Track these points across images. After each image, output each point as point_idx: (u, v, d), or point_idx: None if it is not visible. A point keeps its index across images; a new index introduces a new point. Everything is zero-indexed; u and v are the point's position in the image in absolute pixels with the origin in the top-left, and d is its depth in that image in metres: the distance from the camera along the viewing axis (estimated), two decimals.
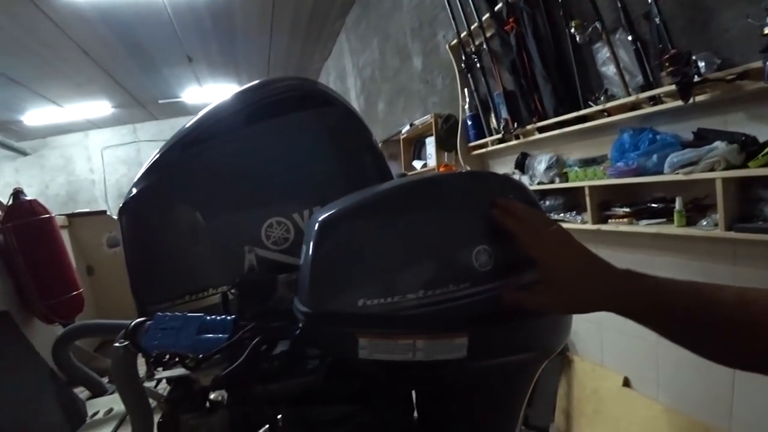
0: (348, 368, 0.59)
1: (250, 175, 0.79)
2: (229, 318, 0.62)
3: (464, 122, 2.74)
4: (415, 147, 3.68)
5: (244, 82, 7.54)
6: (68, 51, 4.91)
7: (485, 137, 2.59)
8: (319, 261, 0.53)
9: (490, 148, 2.57)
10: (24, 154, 8.13)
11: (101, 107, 7.00)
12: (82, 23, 4.38)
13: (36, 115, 6.89)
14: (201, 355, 0.58)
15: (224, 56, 5.82)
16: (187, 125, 0.82)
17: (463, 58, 2.60)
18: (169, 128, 8.22)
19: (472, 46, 2.51)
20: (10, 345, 2.14)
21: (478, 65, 2.50)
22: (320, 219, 0.54)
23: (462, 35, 2.55)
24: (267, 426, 0.66)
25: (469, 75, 2.62)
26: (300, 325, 0.57)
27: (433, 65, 3.20)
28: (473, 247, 0.51)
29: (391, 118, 4.19)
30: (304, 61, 6.33)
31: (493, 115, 2.49)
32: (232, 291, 0.74)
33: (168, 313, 0.67)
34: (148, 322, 0.63)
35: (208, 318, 0.63)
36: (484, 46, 2.40)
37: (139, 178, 0.81)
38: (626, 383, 1.88)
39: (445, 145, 3.00)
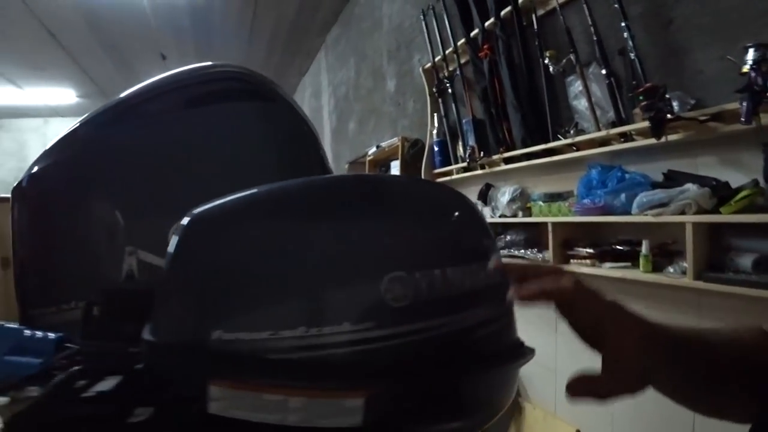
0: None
1: (176, 164, 0.67)
2: (52, 336, 0.47)
3: (431, 148, 2.64)
4: (381, 170, 3.57)
5: None
6: (33, 30, 4.63)
7: (451, 165, 2.50)
8: (172, 271, 0.39)
9: (455, 177, 2.48)
10: None
11: (65, 95, 6.67)
12: (52, 3, 4.15)
13: None
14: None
15: (200, 58, 5.63)
16: (112, 100, 0.70)
17: (436, 82, 2.53)
18: None
19: (445, 70, 2.44)
20: None
21: (449, 91, 2.43)
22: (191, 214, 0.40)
23: (437, 59, 2.48)
24: None
25: (440, 100, 2.54)
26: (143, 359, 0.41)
27: (406, 88, 3.13)
28: (385, 274, 0.36)
29: (361, 138, 4.09)
30: (281, 74, 6.22)
31: (460, 142, 2.41)
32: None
33: None
34: None
35: (30, 334, 0.47)
36: (458, 72, 2.33)
37: (42, 155, 0.68)
38: None
39: (409, 169, 2.89)
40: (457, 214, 0.46)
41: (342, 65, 4.44)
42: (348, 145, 4.51)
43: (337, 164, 4.96)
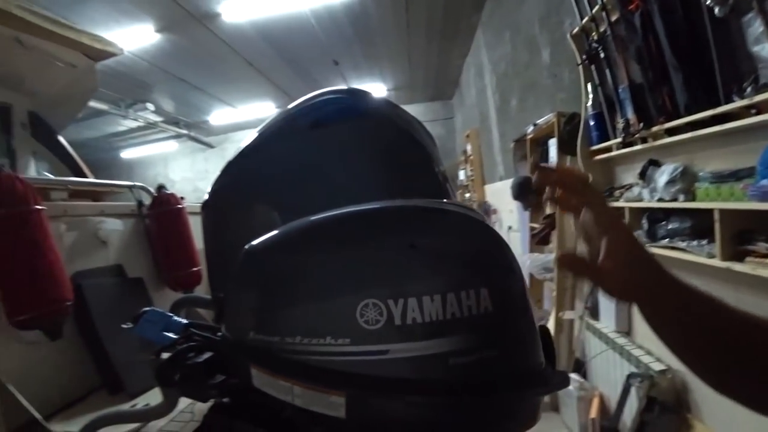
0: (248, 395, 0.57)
1: (308, 177, 0.78)
2: (184, 321, 0.74)
3: (586, 122, 2.34)
4: (540, 149, 3.31)
5: (388, 81, 7.73)
6: (235, 62, 5.64)
7: (609, 140, 2.17)
8: (228, 289, 0.56)
9: (614, 153, 2.15)
10: (211, 146, 9.83)
11: (267, 107, 7.93)
12: (244, 39, 4.99)
13: (218, 116, 8.17)
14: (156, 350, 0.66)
15: (367, 58, 6.04)
16: (255, 131, 0.86)
17: (586, 48, 2.22)
18: None
19: (595, 33, 2.12)
20: (139, 305, 2.52)
21: (602, 55, 2.10)
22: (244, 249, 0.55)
23: (584, 21, 2.17)
24: None
25: (592, 67, 2.22)
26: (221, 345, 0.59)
27: (560, 58, 2.82)
28: (360, 300, 0.44)
29: (523, 116, 3.85)
30: (444, 58, 6.22)
31: (619, 113, 2.07)
32: None
33: (158, 309, 0.80)
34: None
35: (174, 318, 0.75)
36: (608, 32, 2.00)
37: (216, 178, 0.89)
38: None
39: (565, 147, 2.62)
40: (448, 244, 0.48)
41: (498, 41, 4.22)
42: (512, 123, 4.29)
43: (504, 143, 4.76)
